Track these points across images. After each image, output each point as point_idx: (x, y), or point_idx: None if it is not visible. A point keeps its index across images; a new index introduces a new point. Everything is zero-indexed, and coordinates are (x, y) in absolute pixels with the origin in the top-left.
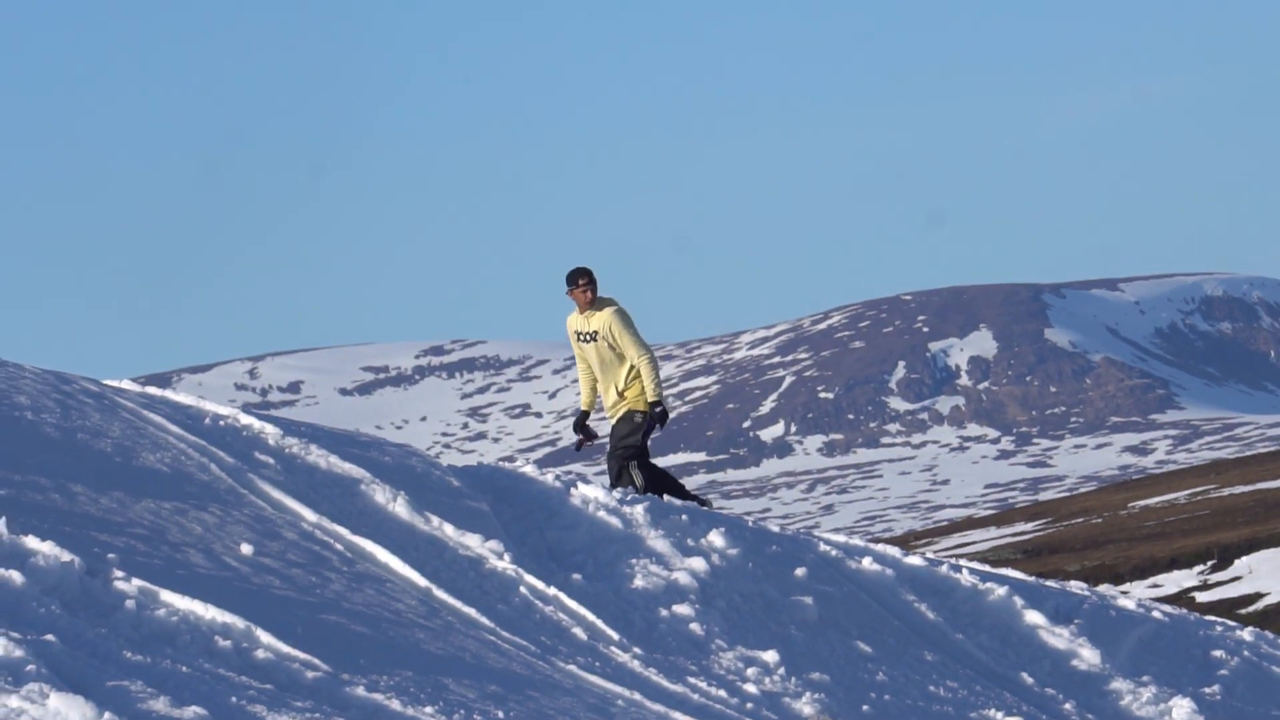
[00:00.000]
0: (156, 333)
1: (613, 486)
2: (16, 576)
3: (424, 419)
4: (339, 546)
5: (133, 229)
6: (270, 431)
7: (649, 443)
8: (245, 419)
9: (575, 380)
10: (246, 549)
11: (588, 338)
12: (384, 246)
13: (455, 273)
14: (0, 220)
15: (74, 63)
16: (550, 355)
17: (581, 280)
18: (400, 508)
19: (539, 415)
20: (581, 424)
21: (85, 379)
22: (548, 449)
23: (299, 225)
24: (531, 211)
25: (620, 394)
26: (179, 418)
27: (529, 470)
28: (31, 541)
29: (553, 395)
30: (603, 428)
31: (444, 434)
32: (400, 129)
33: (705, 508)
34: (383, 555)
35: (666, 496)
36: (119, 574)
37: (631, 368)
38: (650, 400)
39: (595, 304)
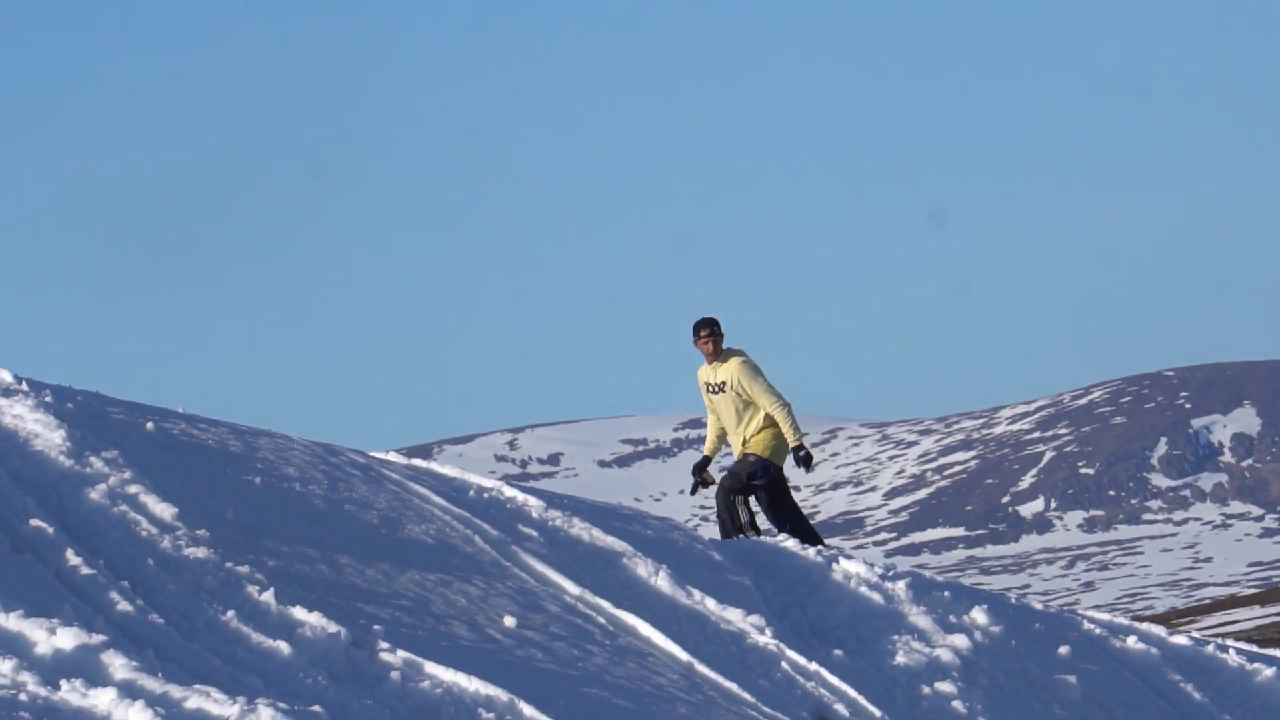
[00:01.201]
0: (419, 404)
1: (730, 528)
2: (284, 647)
3: (682, 492)
4: (601, 620)
5: (398, 303)
6: (534, 504)
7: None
8: (509, 491)
9: (833, 454)
10: (510, 621)
11: (716, 388)
12: (642, 319)
13: None
14: (273, 302)
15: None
16: (809, 428)
17: (703, 331)
18: (662, 582)
19: (797, 489)
20: (702, 468)
21: (352, 450)
22: None
23: (560, 299)
24: (785, 290)
25: (745, 441)
26: (444, 489)
27: (790, 545)
28: (299, 612)
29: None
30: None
31: (703, 507)
32: (645, 192)
33: (819, 545)
34: (645, 629)
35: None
36: (384, 645)
37: (760, 415)
38: (792, 445)
39: (722, 355)
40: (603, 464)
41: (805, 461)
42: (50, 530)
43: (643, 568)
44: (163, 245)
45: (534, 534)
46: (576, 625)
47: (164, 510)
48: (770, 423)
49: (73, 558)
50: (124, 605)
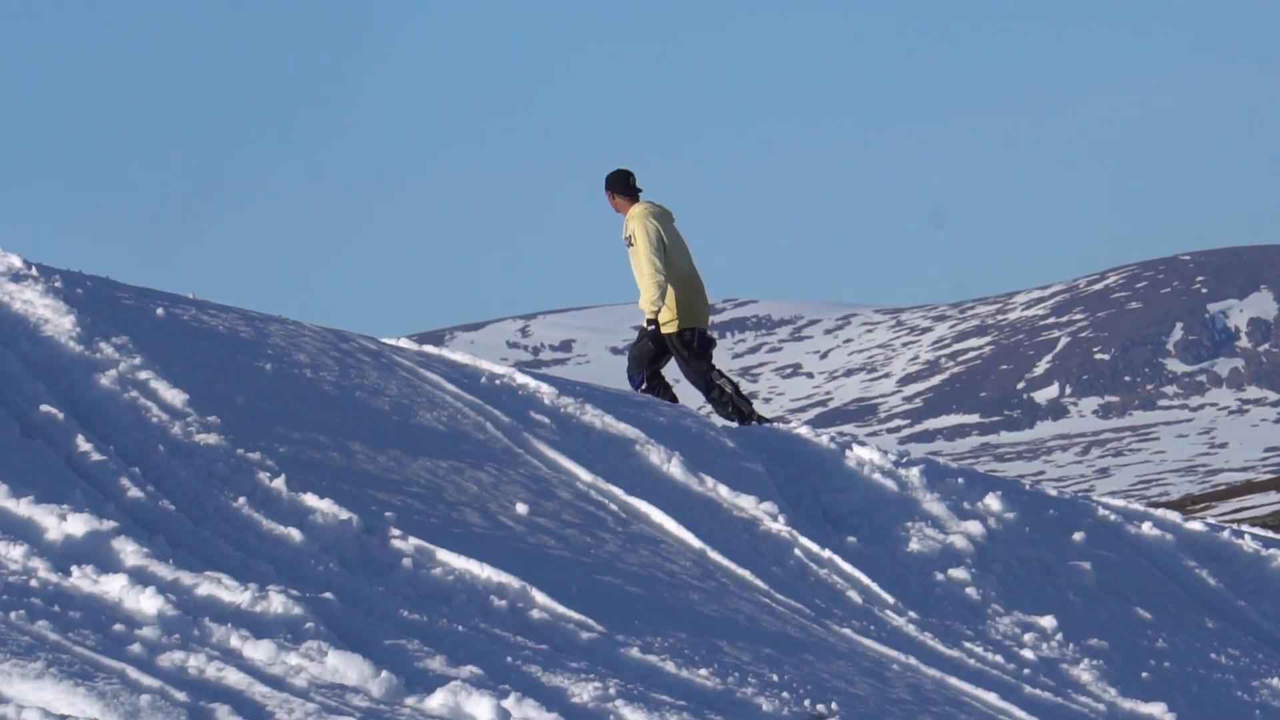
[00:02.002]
0: (431, 290)
1: (708, 398)
2: (295, 534)
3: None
4: (614, 507)
5: (410, 189)
6: (545, 390)
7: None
8: (521, 378)
9: (847, 340)
10: (522, 508)
11: (628, 243)
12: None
13: (726, 230)
14: (284, 187)
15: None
16: (822, 315)
17: (607, 188)
18: (675, 468)
19: (810, 375)
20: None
21: (363, 337)
22: (819, 409)
23: (571, 184)
24: (802, 165)
25: (665, 307)
26: (455, 376)
27: (803, 431)
28: (310, 499)
29: (824, 355)
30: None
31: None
32: (664, 87)
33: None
34: (657, 516)
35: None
36: (396, 532)
37: (675, 280)
38: (647, 314)
39: (630, 209)
40: (615, 351)
41: (653, 337)
42: (60, 416)
43: (655, 455)
44: (173, 128)
45: (546, 421)
46: (589, 512)
47: (174, 396)
48: (674, 286)
49: (83, 444)
50: (134, 491)
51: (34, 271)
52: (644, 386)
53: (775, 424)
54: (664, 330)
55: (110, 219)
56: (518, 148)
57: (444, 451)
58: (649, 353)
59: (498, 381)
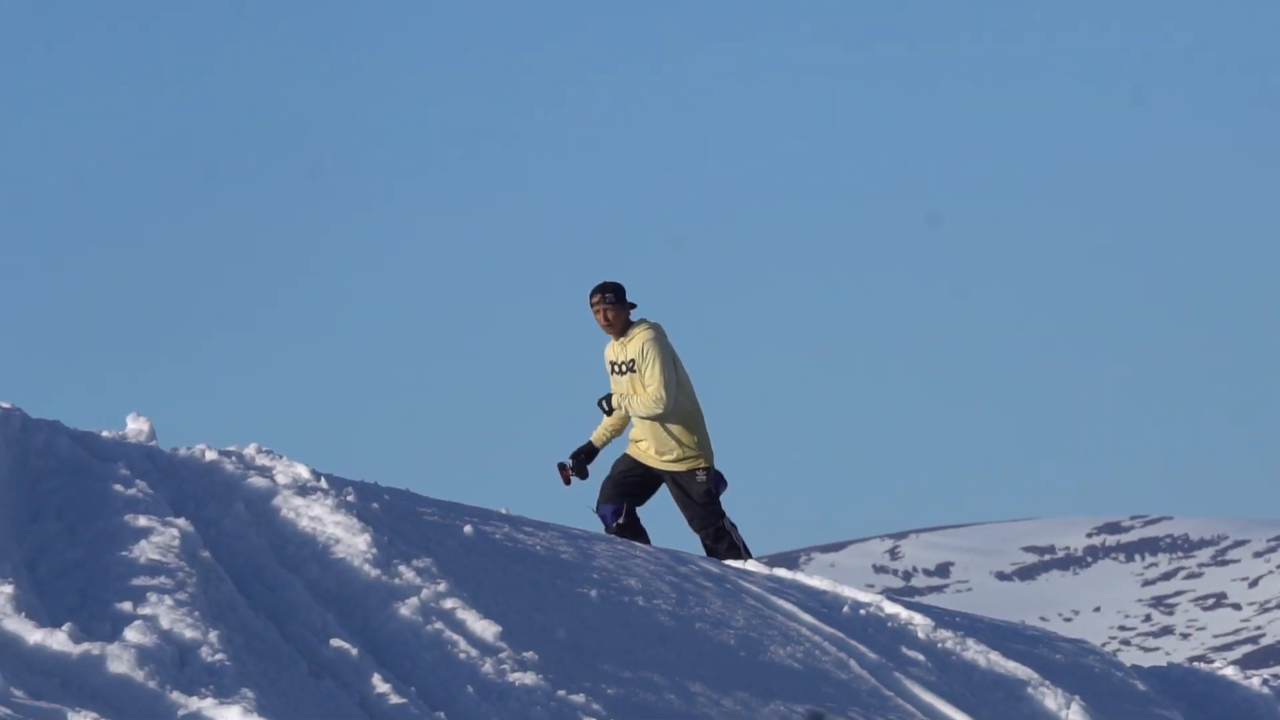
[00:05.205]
0: (784, 505)
1: (709, 554)
2: None
3: (1098, 609)
4: None
5: (761, 395)
6: (920, 622)
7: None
8: (890, 607)
9: (1279, 566)
10: None
11: (623, 368)
12: (1041, 406)
13: (1132, 439)
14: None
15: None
16: (1250, 535)
17: (595, 297)
18: (1075, 716)
19: (1237, 607)
20: (583, 456)
21: (704, 559)
22: (1248, 647)
23: (940, 383)
24: (1216, 355)
25: (677, 440)
26: (812, 605)
27: (1229, 673)
28: None
29: (1254, 583)
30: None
31: (1122, 627)
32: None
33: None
34: None
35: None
36: None
37: (679, 408)
38: (609, 402)
39: (627, 328)
40: (1001, 576)
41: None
42: (354, 652)
43: (1051, 699)
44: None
45: (920, 658)
46: None
47: (485, 628)
48: (688, 418)
49: (380, 684)
50: None
51: (323, 483)
52: (618, 524)
53: (1196, 664)
54: (692, 467)
55: (410, 426)
56: (886, 355)
57: (800, 693)
58: (635, 484)
59: (863, 611)
